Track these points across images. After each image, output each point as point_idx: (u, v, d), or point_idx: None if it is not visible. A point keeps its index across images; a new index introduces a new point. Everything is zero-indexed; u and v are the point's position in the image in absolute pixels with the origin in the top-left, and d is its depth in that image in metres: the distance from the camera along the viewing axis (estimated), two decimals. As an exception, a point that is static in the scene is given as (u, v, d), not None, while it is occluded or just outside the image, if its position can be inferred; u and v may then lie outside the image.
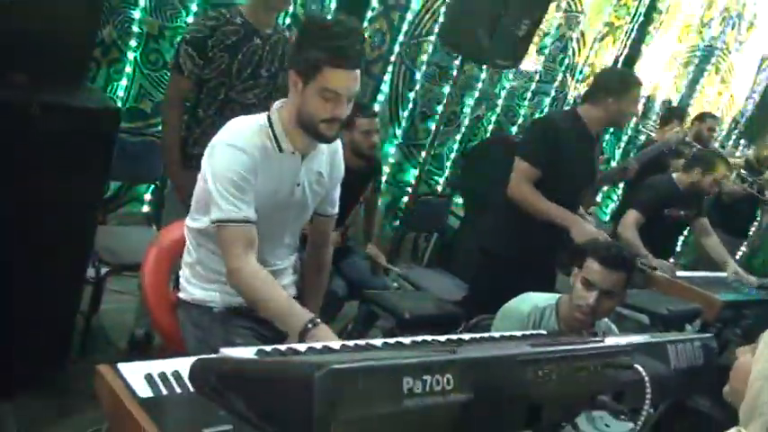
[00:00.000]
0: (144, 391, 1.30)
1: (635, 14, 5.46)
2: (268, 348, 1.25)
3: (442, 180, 4.94)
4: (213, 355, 1.26)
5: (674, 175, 3.87)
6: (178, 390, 1.33)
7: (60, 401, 2.45)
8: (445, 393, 0.98)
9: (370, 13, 4.15)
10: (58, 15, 2.25)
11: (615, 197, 6.12)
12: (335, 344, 1.38)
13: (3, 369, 2.32)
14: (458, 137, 4.91)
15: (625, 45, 5.56)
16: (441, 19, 4.29)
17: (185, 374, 1.38)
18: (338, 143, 2.00)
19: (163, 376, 1.36)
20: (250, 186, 1.76)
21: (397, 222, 4.57)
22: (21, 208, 2.27)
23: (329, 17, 1.80)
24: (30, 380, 2.42)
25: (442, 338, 1.49)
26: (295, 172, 1.88)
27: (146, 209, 3.78)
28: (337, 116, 1.78)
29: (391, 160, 4.60)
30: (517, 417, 1.11)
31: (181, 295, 1.93)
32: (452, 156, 4.93)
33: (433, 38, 4.41)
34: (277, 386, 0.92)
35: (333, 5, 3.94)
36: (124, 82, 3.50)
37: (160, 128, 3.68)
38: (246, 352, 1.26)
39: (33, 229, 2.31)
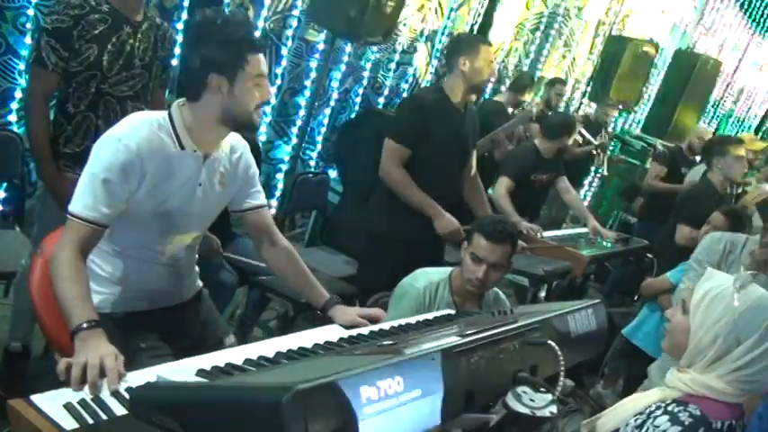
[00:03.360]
0: (68, 423, 1.24)
1: (486, -16, 5.68)
2: (206, 366, 1.23)
3: (314, 155, 4.94)
4: (154, 381, 1.22)
5: (536, 141, 4.13)
6: (104, 416, 1.28)
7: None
8: (398, 395, 1.03)
9: (231, -11, 4.01)
10: None
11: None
12: (269, 351, 1.38)
13: None
14: (327, 111, 4.92)
15: (479, 14, 5.79)
16: (305, -7, 4.24)
17: (107, 398, 1.34)
18: (240, 143, 1.96)
19: (84, 403, 1.30)
20: (123, 187, 1.69)
21: (274, 201, 4.53)
22: None
23: (213, 15, 1.76)
24: None
25: (366, 332, 1.54)
26: (196, 171, 1.82)
27: (0, 208, 3.48)
28: (267, 98, 1.80)
29: (263, 138, 4.52)
30: (456, 404, 1.18)
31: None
32: (323, 130, 4.94)
33: (296, 12, 4.35)
34: (240, 412, 0.93)
35: (193, -19, 3.77)
36: (-40, 72, 3.17)
37: (10, 118, 3.41)
38: (185, 373, 1.23)
39: None
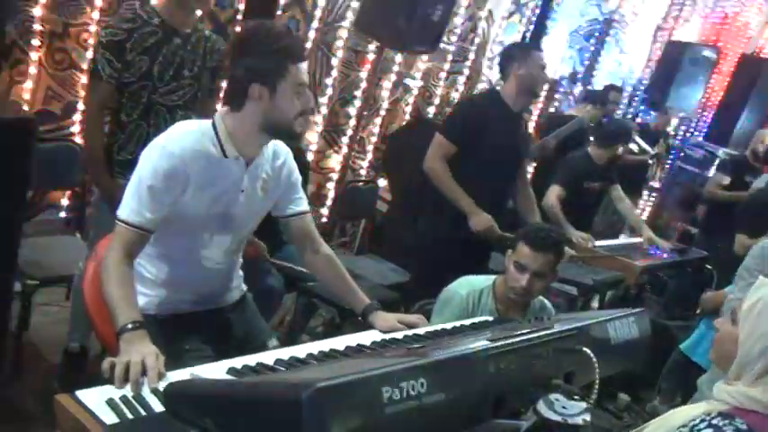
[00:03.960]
0: (109, 418, 1.28)
1: (540, -9, 5.63)
2: (237, 365, 1.26)
3: (365, 165, 4.98)
4: (187, 378, 1.25)
5: (589, 149, 4.06)
6: (143, 412, 1.32)
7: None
8: (420, 397, 1.03)
9: (282, 1, 4.10)
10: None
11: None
12: (301, 352, 1.40)
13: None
14: (377, 120, 4.95)
15: (531, 21, 5.74)
16: (353, 4, 4.29)
17: (147, 396, 1.38)
18: (283, 150, 2.00)
19: (125, 400, 1.35)
20: (167, 193, 1.74)
21: (325, 210, 4.59)
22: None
23: (256, 26, 1.81)
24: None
25: (400, 336, 1.54)
26: (239, 178, 1.87)
27: (63, 215, 3.64)
28: (309, 107, 1.83)
29: (313, 148, 4.59)
30: (484, 409, 1.17)
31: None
32: (373, 140, 4.97)
33: (346, 23, 4.41)
34: (263, 408, 0.94)
35: (245, -5, 3.87)
36: (29, 84, 3.33)
37: (72, 129, 3.57)
38: (217, 371, 1.26)
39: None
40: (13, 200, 2.37)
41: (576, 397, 1.31)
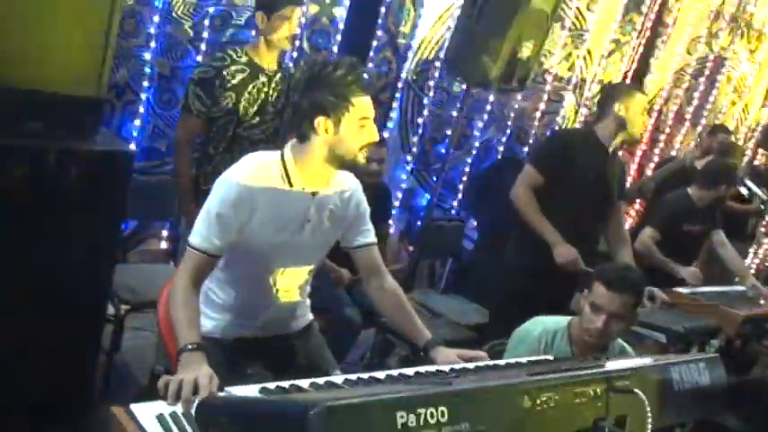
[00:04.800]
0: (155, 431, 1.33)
1: (641, 30, 5.47)
2: (271, 386, 1.28)
3: (455, 203, 4.97)
4: (218, 394, 1.29)
5: (689, 190, 3.86)
6: (189, 430, 1.36)
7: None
8: (440, 426, 1.00)
9: (375, 42, 4.22)
10: (72, 66, 2.34)
11: (633, 213, 6.10)
12: (338, 378, 1.40)
13: (26, 412, 2.37)
14: (469, 159, 4.94)
15: (633, 60, 5.58)
16: (446, 44, 4.35)
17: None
18: (351, 182, 2.05)
19: (174, 416, 1.40)
20: (234, 221, 1.82)
21: (412, 248, 4.60)
22: (39, 251, 2.34)
23: (324, 61, 1.88)
24: (54, 422, 2.47)
25: (447, 368, 1.51)
26: (305, 209, 1.92)
27: (164, 245, 3.86)
28: (374, 139, 1.88)
29: (404, 186, 4.63)
30: (516, 445, 1.12)
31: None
32: (464, 179, 4.96)
33: (438, 63, 4.46)
34: (275, 424, 0.95)
35: (338, 37, 4.02)
36: (138, 122, 3.59)
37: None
38: (250, 390, 1.29)
39: (52, 272, 2.38)
40: (108, 227, 2.56)
41: (625, 442, 1.24)
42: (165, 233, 3.84)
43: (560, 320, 2.40)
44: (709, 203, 3.80)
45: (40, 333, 2.37)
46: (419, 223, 4.77)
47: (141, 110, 3.58)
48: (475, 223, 4.81)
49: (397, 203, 4.61)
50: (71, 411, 2.51)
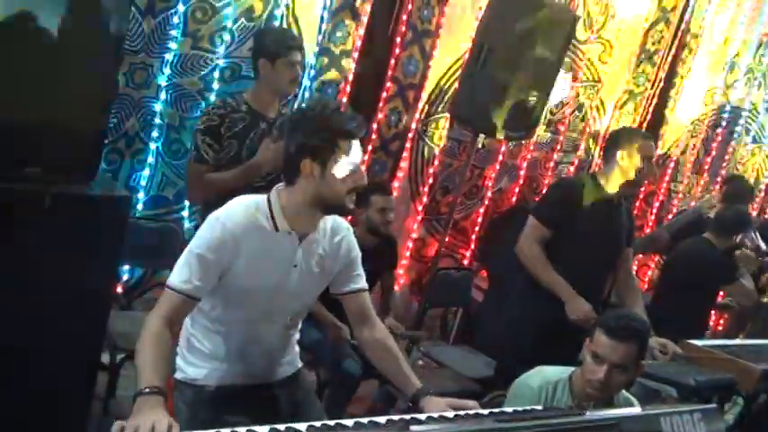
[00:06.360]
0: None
1: (655, 81, 5.46)
2: (227, 431, 1.22)
3: (467, 254, 4.90)
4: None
5: (706, 235, 3.77)
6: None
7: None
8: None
9: (385, 94, 4.25)
10: (70, 111, 2.37)
11: (652, 264, 5.97)
12: (301, 425, 1.34)
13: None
14: (481, 209, 4.90)
15: (647, 111, 5.55)
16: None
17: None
18: (342, 226, 2.02)
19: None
20: (216, 263, 1.79)
21: (420, 298, 4.53)
22: (33, 295, 2.33)
23: (310, 104, 1.89)
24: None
25: (423, 416, 1.44)
26: (291, 253, 1.89)
27: (170, 293, 3.84)
28: (361, 184, 1.85)
29: (414, 235, 4.60)
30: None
31: (176, 376, 1.93)
32: (477, 229, 4.90)
33: (448, 114, 4.48)
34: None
35: (348, 89, 4.06)
36: (147, 172, 3.63)
37: (183, 214, 3.82)
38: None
39: (45, 316, 2.36)
40: (104, 273, 2.55)
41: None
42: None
43: (562, 371, 2.31)
44: (724, 252, 3.69)
45: (30, 378, 2.34)
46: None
47: (150, 159, 3.62)
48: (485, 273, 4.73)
49: (407, 254, 4.57)
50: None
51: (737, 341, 3.79)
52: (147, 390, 1.54)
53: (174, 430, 1.44)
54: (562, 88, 4.67)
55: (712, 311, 4.01)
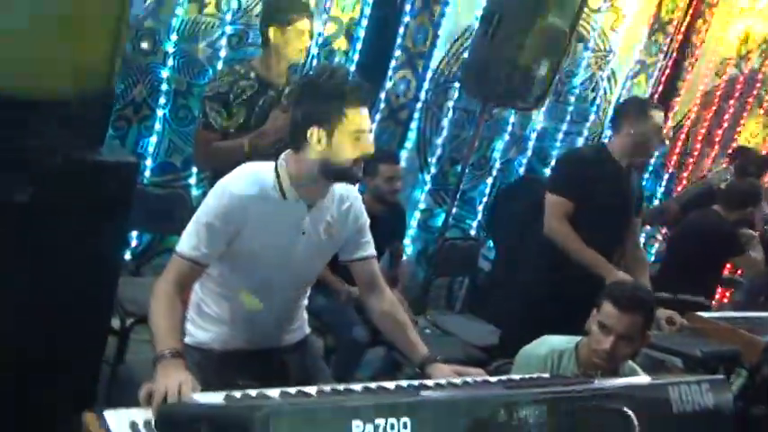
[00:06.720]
0: (125, 440, 1.30)
1: (667, 51, 5.38)
2: (237, 394, 1.24)
3: (474, 224, 4.90)
4: (180, 401, 1.25)
5: (715, 207, 3.75)
6: (161, 438, 1.32)
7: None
8: (402, 438, 0.95)
9: (394, 62, 4.21)
10: (80, 75, 2.35)
11: (659, 236, 5.95)
12: (311, 389, 1.35)
13: (22, 420, 2.36)
14: (489, 180, 4.88)
15: (659, 82, 5.48)
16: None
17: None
18: (350, 194, 2.01)
19: (147, 425, 1.36)
20: (224, 231, 1.79)
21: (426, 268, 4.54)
22: (41, 261, 2.33)
23: (318, 71, 1.86)
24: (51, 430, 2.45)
25: (431, 383, 1.45)
26: (299, 220, 1.89)
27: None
28: (368, 153, 1.84)
29: (422, 206, 4.58)
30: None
31: (185, 340, 1.95)
32: (484, 200, 4.89)
33: (458, 83, 4.43)
34: (224, 430, 0.91)
35: (356, 57, 4.02)
36: (154, 138, 3.62)
37: (190, 181, 3.82)
38: (215, 397, 1.25)
39: (54, 282, 2.37)
40: (112, 238, 2.55)
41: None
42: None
43: (568, 340, 2.31)
44: (734, 225, 3.67)
45: (40, 342, 2.36)
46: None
47: (157, 126, 3.61)
48: (492, 243, 4.73)
49: (414, 224, 4.57)
50: (68, 423, 2.49)
51: (743, 314, 3.79)
52: (168, 352, 1.56)
53: (197, 389, 1.45)
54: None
55: (718, 286, 3.99)
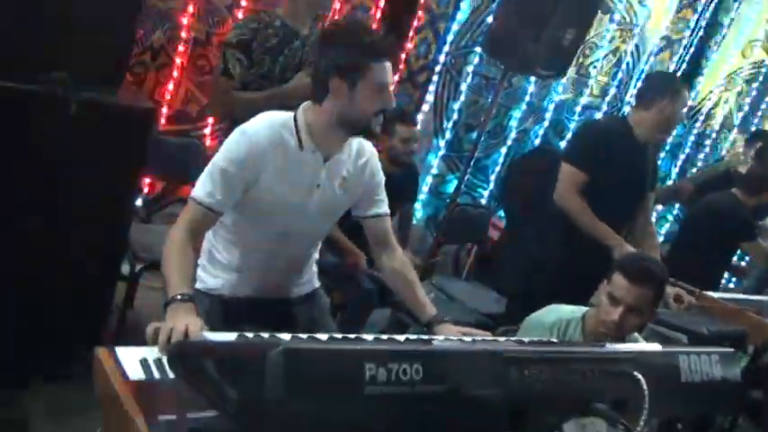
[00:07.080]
0: (136, 375, 1.30)
1: (695, 28, 5.28)
2: (250, 334, 1.24)
3: (486, 192, 4.88)
4: (191, 339, 1.26)
5: (734, 190, 3.71)
6: (171, 375, 1.33)
7: (88, 395, 2.50)
8: (413, 384, 0.95)
9: (416, 23, 4.15)
10: (98, 18, 2.33)
11: (671, 217, 5.92)
12: (322, 336, 1.35)
13: (32, 360, 2.39)
14: (503, 149, 4.84)
15: (683, 60, 5.39)
16: (488, 29, 4.25)
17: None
18: (367, 150, 1.99)
19: (158, 362, 1.36)
20: (240, 178, 1.77)
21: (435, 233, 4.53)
22: (55, 202, 2.34)
23: (343, 21, 1.83)
24: (60, 371, 2.48)
25: (439, 338, 1.46)
26: (315, 172, 1.87)
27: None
28: (389, 106, 1.82)
29: (434, 171, 4.57)
30: (498, 418, 1.06)
31: (196, 286, 1.95)
32: (497, 168, 4.86)
33: (479, 48, 4.37)
34: (237, 367, 0.91)
35: (378, 15, 3.96)
36: (171, 86, 3.59)
37: (205, 131, 3.80)
38: (227, 336, 1.25)
39: (67, 224, 2.38)
40: (125, 183, 2.56)
41: (621, 427, 1.16)
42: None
43: (576, 310, 2.31)
44: (753, 210, 3.64)
45: (51, 286, 2.38)
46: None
47: (175, 73, 3.58)
48: (503, 213, 4.71)
49: (425, 189, 4.55)
50: (77, 364, 2.52)
51: (753, 296, 3.78)
52: (179, 296, 1.56)
53: (205, 332, 1.46)
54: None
55: (726, 270, 3.97)
